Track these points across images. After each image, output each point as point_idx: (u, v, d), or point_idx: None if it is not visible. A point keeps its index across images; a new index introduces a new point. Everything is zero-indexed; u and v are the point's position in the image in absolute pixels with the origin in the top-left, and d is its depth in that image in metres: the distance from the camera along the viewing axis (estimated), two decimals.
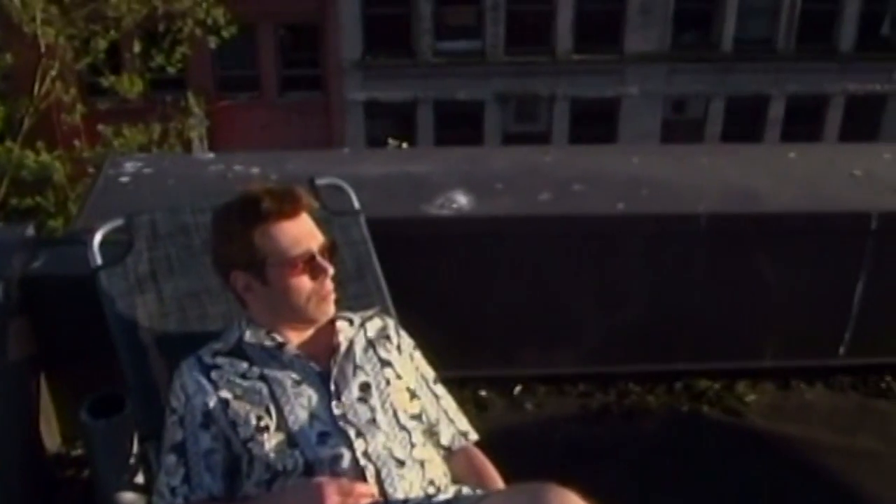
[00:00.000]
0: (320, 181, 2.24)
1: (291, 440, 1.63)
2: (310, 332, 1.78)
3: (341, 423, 1.65)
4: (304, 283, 1.71)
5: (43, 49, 12.09)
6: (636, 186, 2.94)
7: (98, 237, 2.02)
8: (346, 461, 1.62)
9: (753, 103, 18.40)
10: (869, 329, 3.00)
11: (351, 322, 1.82)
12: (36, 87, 12.26)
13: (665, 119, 18.60)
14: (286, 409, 1.66)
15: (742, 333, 3.02)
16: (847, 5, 18.00)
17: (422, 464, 1.69)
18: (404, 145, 8.58)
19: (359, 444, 1.63)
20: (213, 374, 1.70)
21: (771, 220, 2.86)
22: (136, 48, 13.62)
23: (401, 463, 1.65)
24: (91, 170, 10.37)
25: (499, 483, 1.77)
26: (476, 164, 3.17)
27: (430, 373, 1.89)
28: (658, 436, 2.82)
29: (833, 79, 18.36)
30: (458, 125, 17.78)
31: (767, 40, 18.30)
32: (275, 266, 1.70)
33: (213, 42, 13.34)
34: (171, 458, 1.67)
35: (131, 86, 12.74)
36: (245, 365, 1.72)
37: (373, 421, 1.68)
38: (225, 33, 13.09)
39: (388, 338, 1.84)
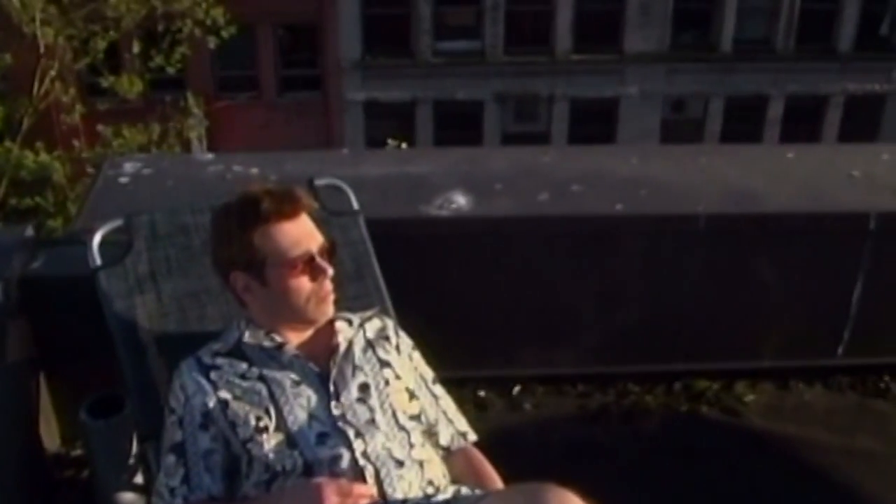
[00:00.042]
0: (319, 182, 2.24)
1: (290, 441, 1.64)
2: (309, 332, 1.78)
3: (340, 424, 1.66)
4: (304, 283, 1.71)
5: (42, 49, 12.08)
6: (635, 187, 2.95)
7: (97, 237, 2.02)
8: (345, 461, 1.62)
9: (753, 103, 18.40)
10: (867, 329, 3.00)
11: (350, 322, 1.82)
12: (35, 88, 12.25)
13: (664, 119, 18.59)
14: (285, 409, 1.66)
15: (741, 333, 3.02)
16: (846, 5, 17.99)
17: (421, 464, 1.69)
18: (403, 145, 8.59)
19: (358, 445, 1.64)
20: (213, 375, 1.70)
21: (770, 221, 2.87)
22: (136, 48, 13.64)
23: (400, 463, 1.65)
24: (90, 170, 10.39)
25: (497, 483, 1.77)
26: (475, 165, 3.17)
27: (429, 373, 1.89)
28: (657, 436, 2.83)
29: (832, 79, 18.36)
30: (458, 125, 17.77)
31: (767, 40, 18.30)
32: (274, 267, 1.70)
33: (212, 42, 13.33)
34: (170, 459, 1.68)
35: (130, 86, 12.73)
36: (244, 365, 1.72)
37: (372, 421, 1.68)
38: (224, 33, 13.08)
39: (387, 338, 1.84)
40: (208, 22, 12.82)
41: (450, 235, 2.76)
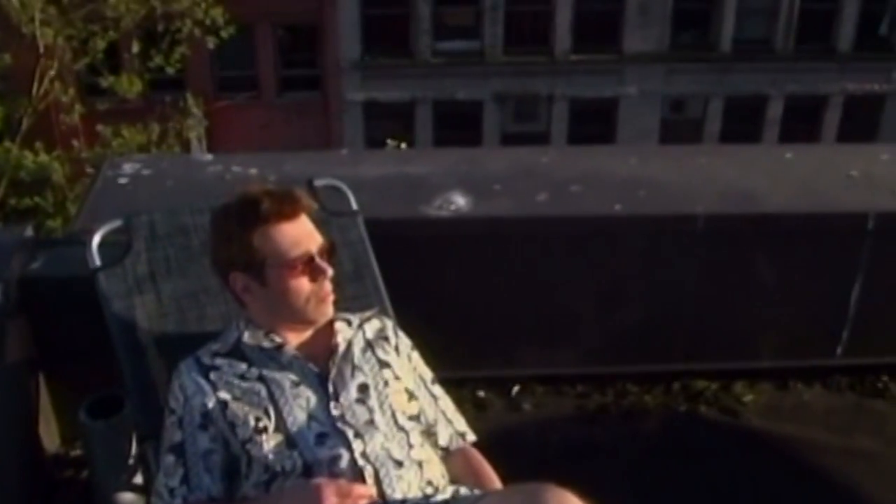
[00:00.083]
0: (319, 182, 2.25)
1: (290, 441, 1.64)
2: (308, 333, 1.78)
3: (339, 424, 1.66)
4: (303, 284, 1.71)
5: (42, 49, 12.08)
6: (634, 187, 2.95)
7: (97, 238, 2.02)
8: (344, 462, 1.62)
9: (752, 103, 18.40)
10: (866, 329, 3.00)
11: (349, 323, 1.83)
12: (34, 88, 12.25)
13: (664, 119, 18.59)
14: (285, 410, 1.66)
15: (739, 333, 3.02)
16: (845, 5, 17.99)
17: (420, 464, 1.69)
18: (403, 145, 8.57)
19: (357, 445, 1.64)
20: (212, 375, 1.70)
21: (768, 221, 2.87)
22: (135, 48, 13.63)
23: (399, 463, 1.65)
24: (90, 170, 10.39)
25: (496, 483, 1.77)
26: (474, 165, 3.17)
27: (428, 373, 1.90)
28: (656, 436, 2.83)
29: (831, 79, 18.35)
30: (457, 125, 17.76)
31: (766, 40, 18.30)
32: (274, 267, 1.70)
33: (211, 42, 13.33)
34: (169, 459, 1.68)
35: (130, 86, 12.73)
36: (244, 366, 1.72)
37: (371, 422, 1.68)
38: (223, 33, 13.08)
39: (386, 339, 1.85)
40: (208, 22, 12.82)
41: (449, 236, 2.76)
